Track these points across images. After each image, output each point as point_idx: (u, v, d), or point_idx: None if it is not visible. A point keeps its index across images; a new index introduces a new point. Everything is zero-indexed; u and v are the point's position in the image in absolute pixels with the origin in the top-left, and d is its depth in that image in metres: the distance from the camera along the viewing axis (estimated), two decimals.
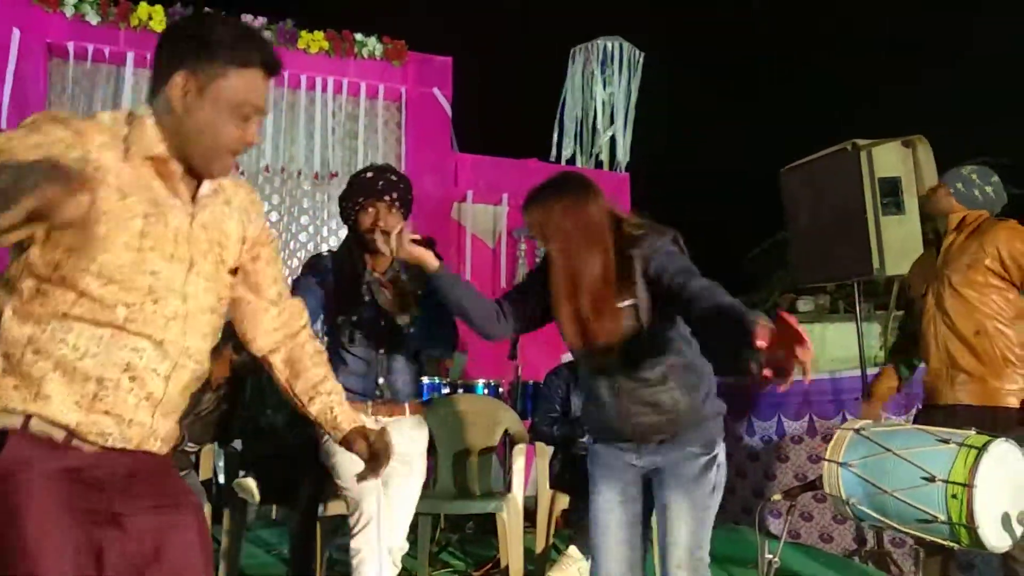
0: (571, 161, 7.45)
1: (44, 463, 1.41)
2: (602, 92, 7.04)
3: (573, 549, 3.71)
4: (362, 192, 2.73)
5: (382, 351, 2.79)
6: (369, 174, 2.76)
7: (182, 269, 1.53)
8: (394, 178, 2.75)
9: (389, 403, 2.78)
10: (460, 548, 4.55)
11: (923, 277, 3.09)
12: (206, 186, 1.59)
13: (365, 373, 2.75)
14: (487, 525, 4.38)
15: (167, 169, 1.53)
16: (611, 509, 2.29)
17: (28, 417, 1.43)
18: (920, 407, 3.15)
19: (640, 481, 2.32)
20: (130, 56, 5.99)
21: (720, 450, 2.28)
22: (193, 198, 1.57)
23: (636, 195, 6.92)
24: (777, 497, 2.97)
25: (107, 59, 6.00)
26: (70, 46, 5.92)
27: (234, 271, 1.67)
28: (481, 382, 4.75)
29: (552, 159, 7.45)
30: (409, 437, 2.79)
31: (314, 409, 1.84)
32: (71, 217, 1.23)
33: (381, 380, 2.76)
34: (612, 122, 7.12)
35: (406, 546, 2.86)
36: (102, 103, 5.91)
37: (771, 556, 2.83)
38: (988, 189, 3.04)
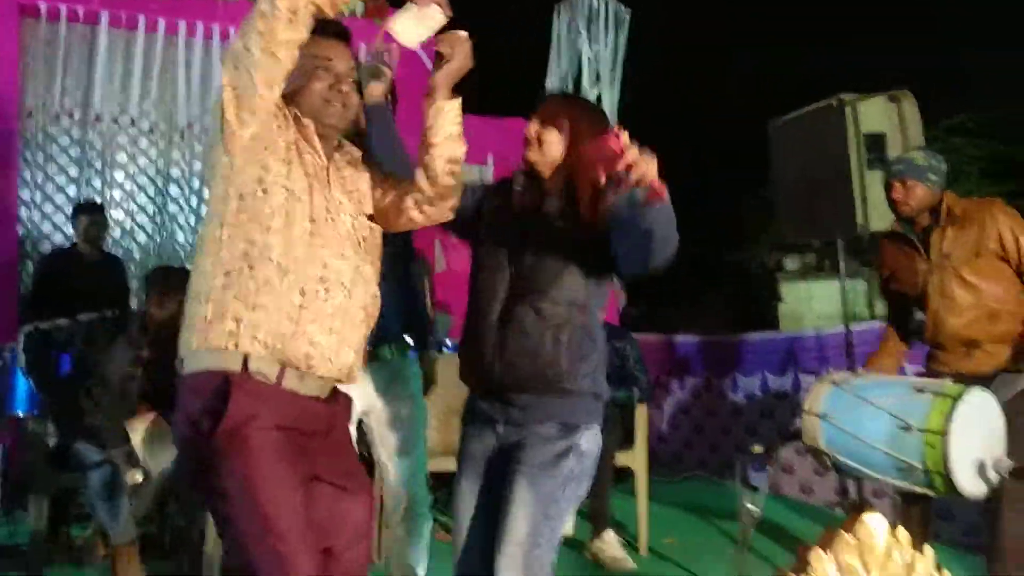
0: None
1: (266, 418, 1.58)
2: (588, 50, 6.96)
3: None
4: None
5: None
6: None
7: None
8: None
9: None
10: (446, 506, 4.60)
11: (912, 273, 3.03)
12: None
13: None
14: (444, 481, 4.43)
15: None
16: (466, 499, 2.06)
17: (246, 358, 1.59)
18: (923, 373, 3.11)
19: (497, 471, 2.04)
20: (104, 16, 5.86)
21: (584, 440, 1.98)
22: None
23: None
24: (758, 450, 3.00)
25: (81, 19, 5.89)
26: (42, 6, 5.80)
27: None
28: None
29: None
30: (387, 381, 2.69)
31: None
32: None
33: None
34: (598, 80, 7.06)
35: (428, 497, 2.76)
36: (76, 63, 5.80)
37: (753, 508, 2.88)
38: (943, 167, 3.01)
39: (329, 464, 1.68)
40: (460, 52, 1.81)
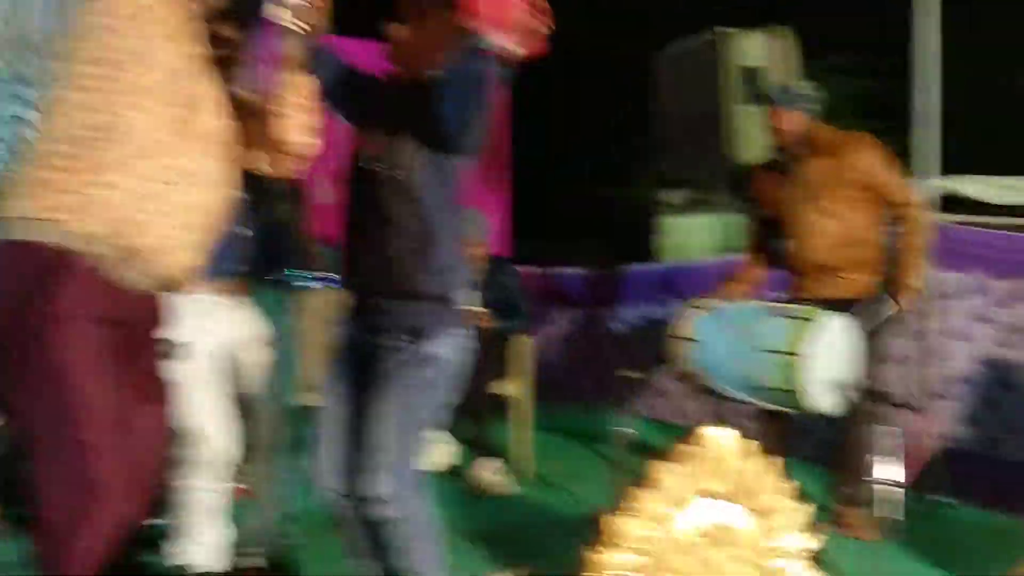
0: None
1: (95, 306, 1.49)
2: None
3: None
4: None
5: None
6: None
7: None
8: None
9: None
10: None
11: (778, 199, 3.13)
12: None
13: None
14: None
15: None
16: (329, 408, 2.08)
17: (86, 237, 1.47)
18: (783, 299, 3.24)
19: (360, 378, 2.06)
20: None
21: (440, 347, 1.97)
22: None
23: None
24: (632, 374, 3.11)
25: None
26: None
27: None
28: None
29: None
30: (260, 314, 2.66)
31: None
32: None
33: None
34: None
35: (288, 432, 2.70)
36: None
37: (628, 431, 2.98)
38: (819, 96, 3.13)
39: (141, 369, 1.61)
40: (317, 27, 1.73)
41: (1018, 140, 6.85)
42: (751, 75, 4.40)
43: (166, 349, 1.68)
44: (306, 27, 1.67)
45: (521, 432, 3.97)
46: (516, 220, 5.24)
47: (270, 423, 2.64)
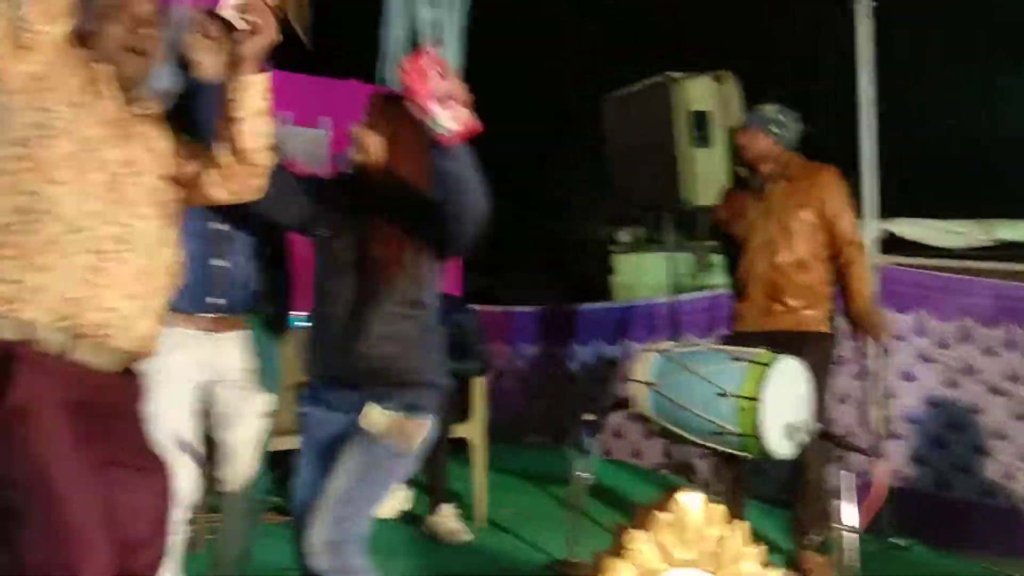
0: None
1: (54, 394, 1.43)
2: (428, 11, 6.83)
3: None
4: None
5: (219, 224, 2.38)
6: None
7: None
8: None
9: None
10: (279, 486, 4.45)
11: (743, 216, 3.20)
12: None
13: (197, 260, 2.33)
14: None
15: None
16: (307, 486, 2.09)
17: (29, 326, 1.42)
18: (729, 334, 3.28)
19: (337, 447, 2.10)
20: None
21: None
22: None
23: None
24: (590, 416, 3.09)
25: None
26: None
27: None
28: None
29: (377, 81, 7.18)
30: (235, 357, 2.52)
31: None
32: None
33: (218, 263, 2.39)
34: (440, 44, 6.94)
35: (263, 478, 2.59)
36: None
37: (584, 474, 2.96)
38: (794, 127, 3.21)
39: (123, 445, 1.54)
40: (267, 25, 1.63)
41: (954, 184, 7.11)
42: (699, 118, 4.50)
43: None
44: (256, 24, 1.59)
45: (475, 476, 3.92)
46: (468, 258, 5.24)
47: (245, 465, 2.53)
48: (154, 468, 1.60)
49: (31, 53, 1.46)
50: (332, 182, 2.28)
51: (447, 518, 3.64)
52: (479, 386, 4.01)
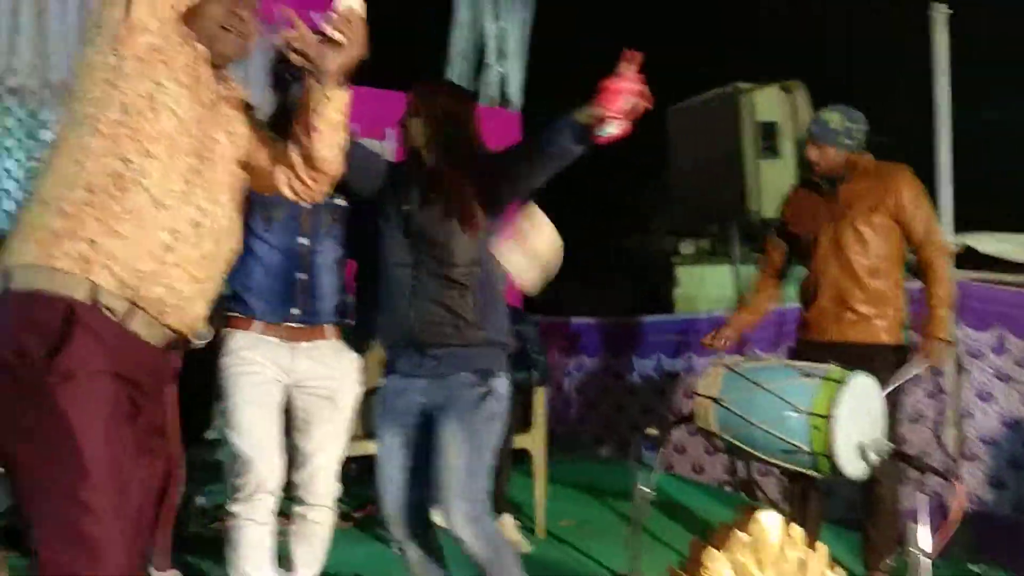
0: None
1: (106, 362, 1.46)
2: (492, 25, 6.88)
3: None
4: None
5: (304, 239, 2.48)
6: None
7: None
8: None
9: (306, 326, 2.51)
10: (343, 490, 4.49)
11: (812, 218, 3.12)
12: None
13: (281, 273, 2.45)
14: (368, 466, 4.34)
15: None
16: (391, 456, 2.32)
17: (95, 289, 1.45)
18: (795, 344, 3.21)
19: (420, 425, 2.29)
20: None
21: (498, 384, 2.28)
22: None
23: (528, 134, 6.84)
24: (652, 431, 3.05)
25: None
26: None
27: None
28: None
29: None
30: (329, 366, 2.56)
31: None
32: None
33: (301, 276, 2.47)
34: (502, 56, 6.98)
35: (334, 491, 2.65)
36: None
37: (646, 487, 2.92)
38: (861, 127, 3.10)
39: (145, 426, 1.56)
40: (356, 40, 1.65)
41: None
42: (767, 129, 4.43)
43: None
44: (348, 39, 1.60)
45: (535, 487, 3.90)
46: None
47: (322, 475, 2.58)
48: (160, 453, 1.61)
49: (158, 22, 1.50)
50: (396, 163, 2.49)
51: (507, 528, 3.63)
52: (540, 396, 4.00)
